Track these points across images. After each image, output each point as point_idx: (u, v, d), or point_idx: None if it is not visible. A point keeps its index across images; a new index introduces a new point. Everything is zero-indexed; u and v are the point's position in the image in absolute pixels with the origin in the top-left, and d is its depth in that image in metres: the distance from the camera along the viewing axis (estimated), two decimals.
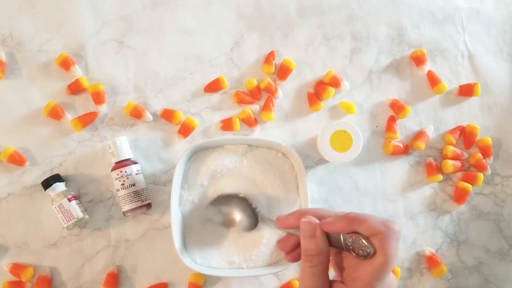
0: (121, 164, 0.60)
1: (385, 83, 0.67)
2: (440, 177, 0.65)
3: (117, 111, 0.64)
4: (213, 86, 0.65)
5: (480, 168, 0.66)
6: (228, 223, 0.57)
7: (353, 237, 0.40)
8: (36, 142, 0.62)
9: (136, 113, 0.63)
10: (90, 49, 0.64)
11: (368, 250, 0.39)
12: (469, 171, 0.66)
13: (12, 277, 0.60)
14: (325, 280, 0.40)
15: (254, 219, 0.55)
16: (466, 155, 0.66)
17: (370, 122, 0.66)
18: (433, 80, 0.67)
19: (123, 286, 0.61)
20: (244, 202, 0.56)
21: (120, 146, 0.60)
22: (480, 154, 0.66)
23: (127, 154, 0.61)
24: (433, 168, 0.65)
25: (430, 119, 0.67)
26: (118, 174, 0.59)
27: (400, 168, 0.66)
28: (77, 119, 0.62)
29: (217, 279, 0.62)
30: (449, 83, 0.68)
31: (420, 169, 0.66)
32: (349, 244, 0.40)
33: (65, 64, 0.63)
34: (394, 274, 0.62)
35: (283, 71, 0.65)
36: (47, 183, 0.59)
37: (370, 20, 0.68)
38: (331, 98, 0.66)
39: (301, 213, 0.44)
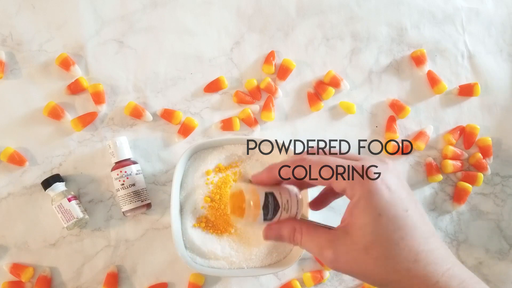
0: (121, 164, 0.60)
1: (385, 83, 0.67)
2: (440, 177, 0.65)
3: (117, 111, 0.64)
4: (213, 86, 0.65)
5: (480, 168, 0.66)
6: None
7: None
8: (36, 142, 0.62)
9: (136, 113, 0.63)
10: (90, 49, 0.64)
11: None
12: (469, 171, 0.66)
13: (12, 277, 0.60)
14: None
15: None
16: (466, 155, 0.66)
17: (370, 122, 0.66)
18: (433, 80, 0.67)
19: (123, 286, 0.61)
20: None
21: (120, 146, 0.60)
22: (480, 154, 0.66)
23: (127, 154, 0.61)
24: (433, 168, 0.65)
25: (430, 119, 0.67)
26: (118, 174, 0.59)
27: (400, 168, 0.66)
28: (77, 119, 0.62)
29: (217, 279, 0.62)
30: (449, 83, 0.67)
31: (420, 169, 0.66)
32: None
33: (65, 64, 0.63)
34: None
35: (283, 71, 0.65)
36: (47, 183, 0.59)
37: (370, 20, 0.68)
38: (331, 98, 0.66)
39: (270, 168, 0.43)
